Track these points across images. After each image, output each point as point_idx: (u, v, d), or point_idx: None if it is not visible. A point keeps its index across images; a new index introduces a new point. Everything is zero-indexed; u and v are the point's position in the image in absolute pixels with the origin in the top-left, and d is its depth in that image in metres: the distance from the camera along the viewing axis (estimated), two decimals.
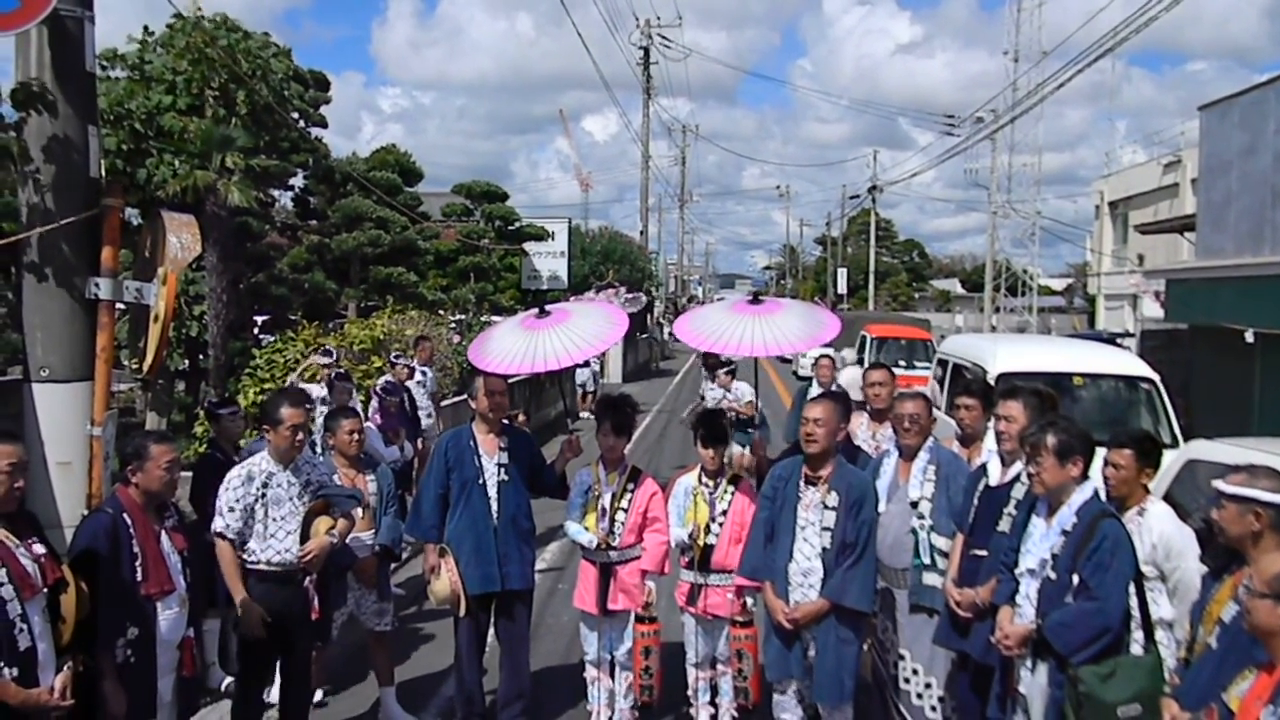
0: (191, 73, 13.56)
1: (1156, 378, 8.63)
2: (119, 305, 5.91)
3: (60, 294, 5.44)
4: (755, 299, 5.65)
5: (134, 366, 9.76)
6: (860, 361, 18.71)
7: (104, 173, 6.22)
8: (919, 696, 4.77)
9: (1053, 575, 3.70)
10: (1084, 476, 3.80)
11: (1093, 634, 3.54)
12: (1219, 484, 3.30)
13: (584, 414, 18.95)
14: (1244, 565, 3.19)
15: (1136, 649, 3.66)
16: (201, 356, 15.63)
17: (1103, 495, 4.19)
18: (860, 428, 6.21)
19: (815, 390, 8.87)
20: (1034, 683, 3.75)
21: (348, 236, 20.86)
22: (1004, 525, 4.22)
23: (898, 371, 17.70)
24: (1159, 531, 4.15)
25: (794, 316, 5.48)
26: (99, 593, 3.72)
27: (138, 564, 3.90)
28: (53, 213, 5.37)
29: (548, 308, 5.52)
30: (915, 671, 4.77)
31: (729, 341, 5.26)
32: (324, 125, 19.62)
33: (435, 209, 28.68)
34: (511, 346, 5.22)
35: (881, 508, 4.78)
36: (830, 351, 11.89)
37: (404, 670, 6.09)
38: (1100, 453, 4.10)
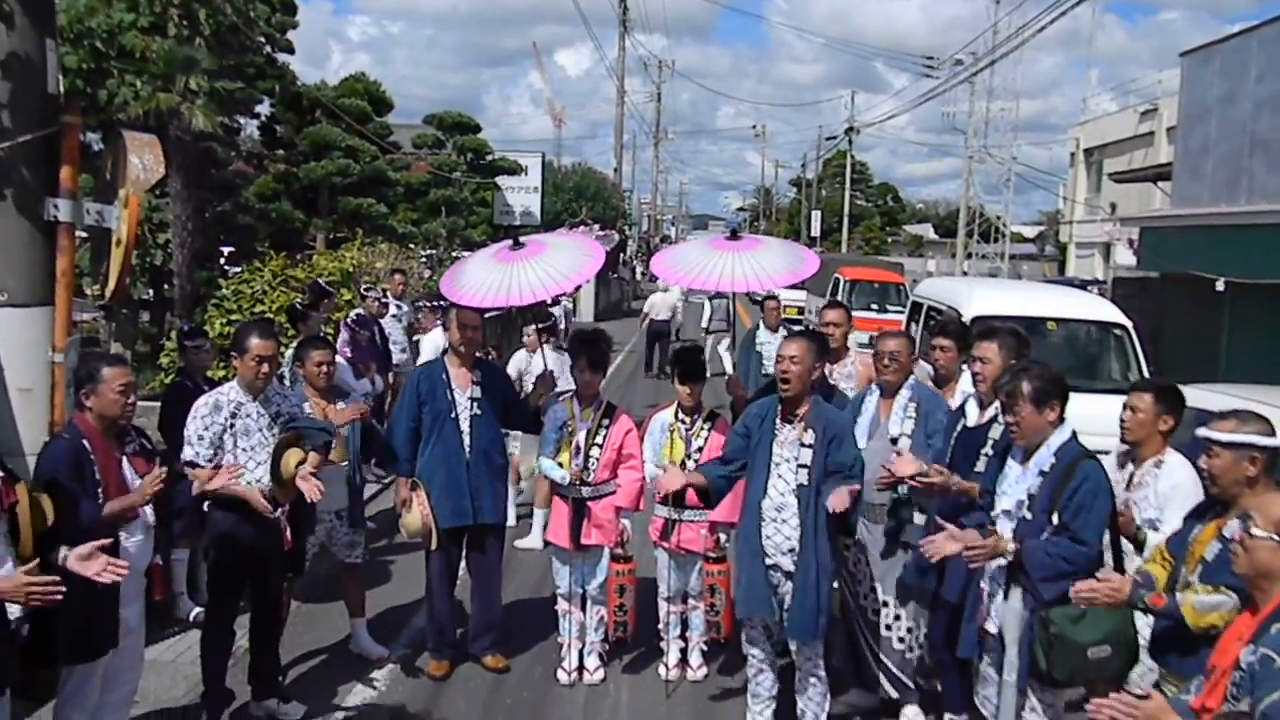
0: None
1: (1129, 324, 8.69)
2: (80, 232, 5.73)
3: (18, 215, 5.25)
4: (734, 235, 5.60)
5: (95, 292, 9.57)
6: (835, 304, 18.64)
7: (63, 91, 5.99)
8: (888, 628, 4.82)
9: (1029, 515, 3.69)
10: (1060, 420, 3.78)
11: (1067, 569, 3.53)
12: (1206, 432, 3.25)
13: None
14: (1227, 508, 3.19)
15: None
16: (166, 286, 15.33)
17: (1116, 437, 4.18)
18: None
19: (763, 333, 8.76)
20: (1007, 608, 3.74)
21: (316, 165, 20.39)
22: (980, 466, 4.23)
23: (869, 315, 17.77)
24: (1179, 477, 3.99)
25: (773, 253, 5.44)
26: (62, 518, 3.63)
27: (100, 490, 3.81)
28: (9, 130, 5.16)
29: (522, 239, 5.38)
30: (886, 604, 4.82)
31: (709, 277, 5.20)
32: (291, 51, 19.06)
33: (405, 142, 28.04)
34: (485, 279, 5.11)
35: (862, 444, 4.73)
36: (779, 292, 11.48)
37: (375, 602, 6.07)
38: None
